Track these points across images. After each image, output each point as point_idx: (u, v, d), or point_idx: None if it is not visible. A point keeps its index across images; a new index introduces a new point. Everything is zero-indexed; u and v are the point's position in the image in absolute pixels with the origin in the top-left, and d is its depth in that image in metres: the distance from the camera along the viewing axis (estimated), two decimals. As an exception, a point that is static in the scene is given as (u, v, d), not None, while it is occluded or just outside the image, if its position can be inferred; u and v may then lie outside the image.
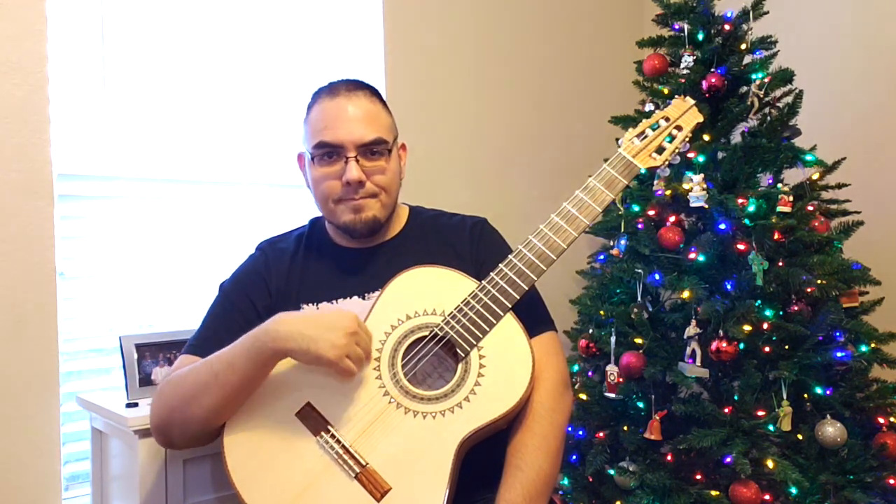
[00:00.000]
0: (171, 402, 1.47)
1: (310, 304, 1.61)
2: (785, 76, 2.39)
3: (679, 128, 1.63)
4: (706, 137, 2.36)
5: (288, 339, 1.38)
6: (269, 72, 2.48)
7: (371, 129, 1.58)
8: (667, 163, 1.62)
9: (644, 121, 1.65)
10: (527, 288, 1.49)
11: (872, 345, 2.23)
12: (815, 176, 2.39)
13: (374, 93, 1.65)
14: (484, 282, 1.50)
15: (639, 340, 2.31)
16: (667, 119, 1.64)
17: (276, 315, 1.44)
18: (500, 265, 1.51)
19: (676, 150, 1.62)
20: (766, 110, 2.42)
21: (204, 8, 2.35)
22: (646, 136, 1.61)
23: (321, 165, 1.59)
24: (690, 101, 1.73)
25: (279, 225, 2.22)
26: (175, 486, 1.79)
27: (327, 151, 1.58)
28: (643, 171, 1.59)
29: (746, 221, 2.20)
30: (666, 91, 2.46)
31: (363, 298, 1.61)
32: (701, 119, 1.66)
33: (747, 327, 2.13)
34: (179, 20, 2.31)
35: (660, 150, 1.60)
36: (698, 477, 2.20)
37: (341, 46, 2.65)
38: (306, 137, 1.63)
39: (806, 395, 2.19)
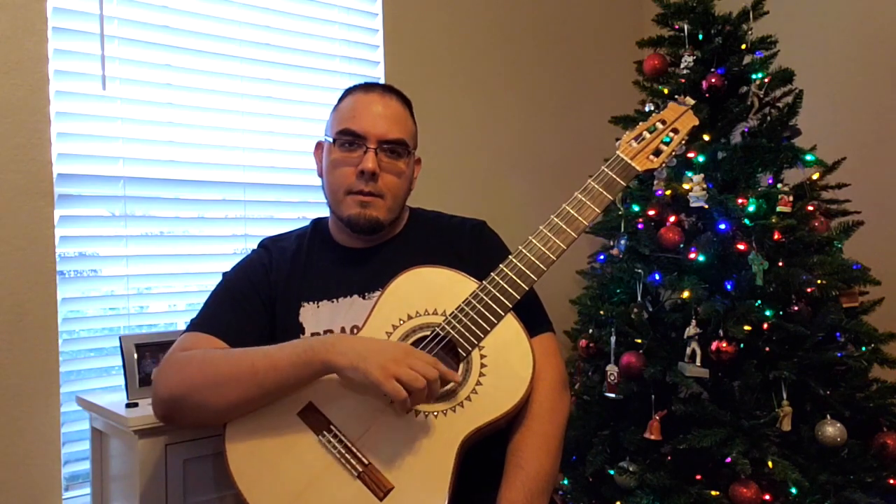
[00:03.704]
0: (193, 380, 1.44)
1: (310, 303, 1.62)
2: (785, 76, 2.39)
3: (676, 130, 1.65)
4: (706, 137, 2.36)
5: (341, 354, 1.38)
6: (269, 72, 2.48)
7: (396, 128, 1.62)
8: (664, 165, 1.63)
9: (641, 123, 1.67)
10: (527, 288, 1.50)
11: (872, 345, 2.23)
12: (815, 176, 2.39)
13: (406, 101, 1.70)
14: (484, 282, 1.50)
15: (639, 340, 2.31)
16: (663, 122, 1.66)
17: (334, 334, 1.48)
18: (500, 266, 1.51)
19: (673, 153, 1.64)
20: (766, 110, 2.43)
21: (204, 8, 2.35)
22: (643, 139, 1.63)
23: (341, 151, 1.62)
24: (691, 101, 1.73)
25: (279, 226, 2.23)
26: (175, 486, 1.78)
27: (350, 139, 1.61)
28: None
29: (746, 221, 2.20)
30: (666, 91, 2.47)
31: (364, 298, 1.61)
32: (697, 122, 1.68)
33: (747, 327, 2.14)
34: (180, 20, 2.30)
35: (657, 152, 1.62)
36: (698, 477, 2.20)
37: (341, 47, 2.65)
38: (331, 124, 1.67)
39: (806, 395, 2.19)
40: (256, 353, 1.44)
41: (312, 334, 1.59)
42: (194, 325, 1.58)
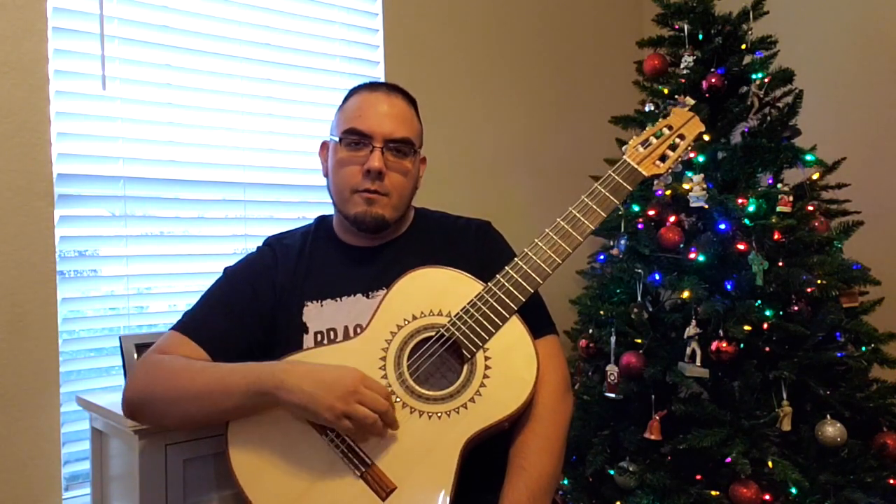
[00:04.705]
0: (153, 389, 1.49)
1: (313, 302, 1.62)
2: (785, 76, 2.40)
3: (682, 136, 1.66)
4: (706, 137, 2.36)
5: (290, 392, 1.38)
6: (269, 72, 2.48)
7: (402, 128, 1.62)
8: (669, 170, 1.63)
9: (648, 128, 1.67)
10: (532, 291, 1.49)
11: (872, 345, 2.24)
12: (815, 176, 2.39)
13: (411, 100, 1.70)
14: (490, 284, 1.50)
15: (639, 340, 2.31)
16: (670, 127, 1.66)
17: (287, 362, 1.46)
18: (506, 268, 1.51)
19: (679, 159, 1.64)
20: (766, 110, 2.44)
21: (204, 8, 2.35)
22: (649, 144, 1.63)
23: (347, 151, 1.62)
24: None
25: (279, 226, 2.23)
26: (175, 486, 1.78)
27: (356, 139, 1.61)
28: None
29: (746, 221, 2.21)
30: (666, 91, 2.47)
31: (367, 297, 1.61)
32: (702, 129, 1.68)
33: (747, 327, 2.14)
34: (180, 20, 2.30)
35: (663, 157, 1.63)
36: (698, 477, 2.20)
37: (341, 47, 2.65)
38: (337, 124, 1.67)
39: (806, 395, 2.19)
40: (214, 375, 1.46)
41: (316, 333, 1.59)
42: (181, 325, 1.59)
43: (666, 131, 1.65)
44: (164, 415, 1.51)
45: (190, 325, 1.59)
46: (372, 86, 1.69)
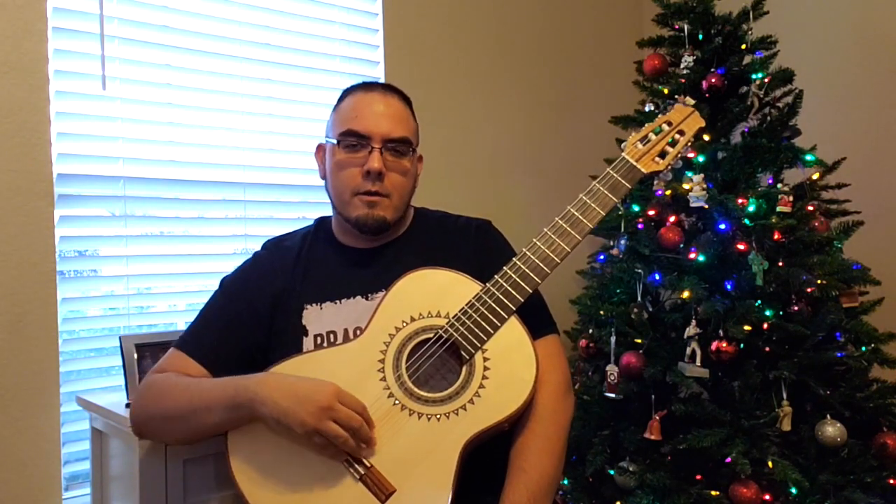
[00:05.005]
0: (147, 410, 1.53)
1: (313, 304, 1.61)
2: (785, 76, 2.40)
3: (681, 132, 1.63)
4: (706, 137, 2.36)
5: (263, 405, 1.39)
6: (269, 72, 2.47)
7: (400, 127, 1.61)
8: (669, 167, 1.61)
9: (647, 125, 1.65)
10: (531, 291, 1.49)
11: (872, 345, 2.24)
12: (815, 176, 2.39)
13: (406, 99, 1.69)
14: (488, 284, 1.49)
15: (639, 340, 2.31)
16: (669, 123, 1.64)
17: (266, 374, 1.46)
18: (504, 268, 1.50)
19: (679, 155, 1.62)
20: (766, 110, 2.43)
21: (204, 8, 2.35)
22: (648, 141, 1.61)
23: (345, 152, 1.61)
24: (691, 101, 1.72)
25: (279, 226, 2.23)
26: (175, 486, 1.78)
27: (353, 140, 1.59)
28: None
29: (746, 221, 2.20)
30: (666, 91, 2.47)
31: (367, 299, 1.61)
32: (702, 124, 1.65)
33: (747, 327, 2.14)
34: (180, 20, 2.30)
35: (662, 154, 1.60)
36: (698, 477, 2.20)
37: (341, 47, 2.65)
38: (333, 126, 1.66)
39: (806, 395, 2.19)
40: (196, 392, 1.47)
41: (316, 336, 1.58)
42: (180, 344, 1.61)
43: (665, 127, 1.63)
44: (162, 434, 1.58)
45: (187, 341, 1.61)
46: (367, 86, 1.68)
